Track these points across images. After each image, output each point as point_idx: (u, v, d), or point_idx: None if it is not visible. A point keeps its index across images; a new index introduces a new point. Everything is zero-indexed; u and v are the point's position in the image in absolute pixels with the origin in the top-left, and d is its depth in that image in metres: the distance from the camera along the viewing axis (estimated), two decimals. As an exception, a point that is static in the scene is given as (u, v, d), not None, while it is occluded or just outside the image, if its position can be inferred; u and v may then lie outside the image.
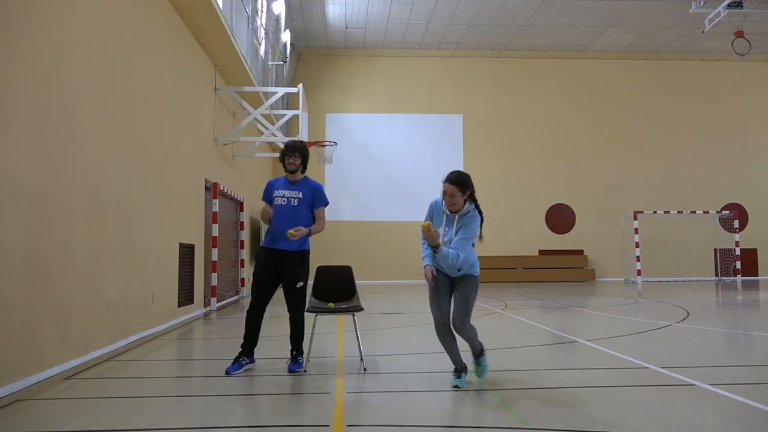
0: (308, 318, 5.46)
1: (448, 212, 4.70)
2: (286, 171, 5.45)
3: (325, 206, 5.45)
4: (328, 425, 3.64)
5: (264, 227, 15.75)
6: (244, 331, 5.35)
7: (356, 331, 5.61)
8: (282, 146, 5.54)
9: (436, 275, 4.68)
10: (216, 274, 11.44)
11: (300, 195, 5.35)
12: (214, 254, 11.45)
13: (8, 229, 4.56)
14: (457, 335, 4.69)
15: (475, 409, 4.06)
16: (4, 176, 4.52)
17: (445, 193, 4.63)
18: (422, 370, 5.32)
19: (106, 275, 6.40)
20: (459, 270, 4.71)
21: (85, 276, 5.86)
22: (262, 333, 5.41)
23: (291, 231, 5.10)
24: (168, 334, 7.94)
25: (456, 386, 4.55)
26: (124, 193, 6.96)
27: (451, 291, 4.77)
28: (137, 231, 7.37)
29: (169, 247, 8.87)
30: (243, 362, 5.25)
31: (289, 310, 5.37)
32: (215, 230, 11.49)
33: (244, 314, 5.41)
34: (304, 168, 5.51)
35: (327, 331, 7.61)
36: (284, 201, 5.34)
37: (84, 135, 5.92)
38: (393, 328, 8.43)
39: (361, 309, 5.60)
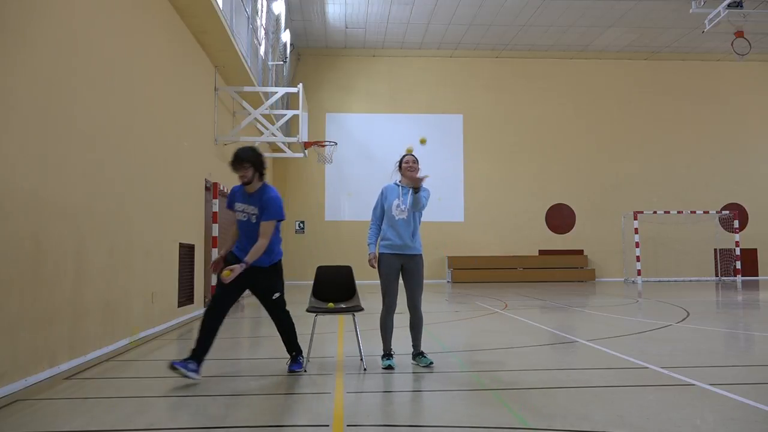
0: (308, 318, 5.46)
1: (404, 186, 5.49)
2: (240, 180, 5.03)
3: (277, 221, 4.98)
4: (328, 425, 3.64)
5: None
6: (197, 334, 4.93)
7: (356, 331, 5.61)
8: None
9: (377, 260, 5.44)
10: (216, 274, 11.43)
11: (256, 211, 4.98)
12: (214, 254, 11.44)
13: (8, 230, 4.56)
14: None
15: (475, 409, 4.06)
16: (3, 176, 4.52)
17: (407, 165, 5.50)
18: (422, 370, 5.32)
19: (106, 275, 6.40)
20: (413, 236, 5.45)
21: (86, 276, 5.86)
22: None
23: (226, 273, 4.73)
24: (168, 334, 7.94)
25: (390, 366, 5.23)
26: (124, 193, 6.96)
27: (398, 276, 5.42)
28: (137, 231, 7.37)
29: (169, 247, 8.87)
30: (190, 366, 4.77)
31: (273, 320, 5.23)
32: (215, 230, 11.49)
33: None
34: (261, 175, 5.05)
35: (327, 331, 7.61)
36: (244, 216, 5.02)
37: (84, 135, 5.92)
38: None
39: (361, 309, 5.60)
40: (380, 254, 5.50)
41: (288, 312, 5.31)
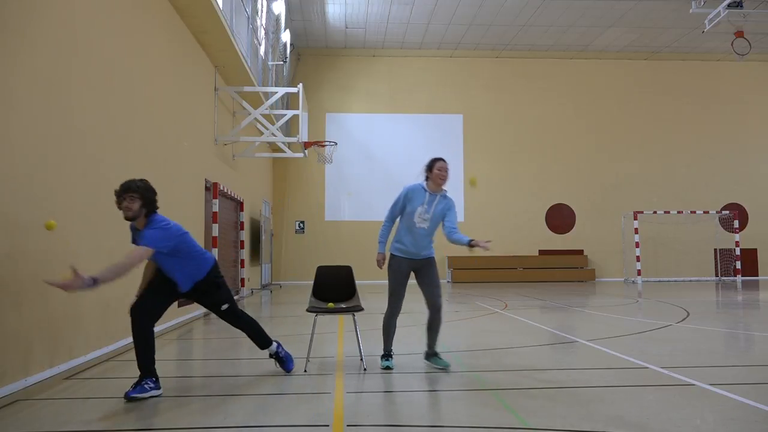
0: (308, 318, 5.46)
1: (431, 192, 5.23)
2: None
3: (150, 248, 4.32)
4: (328, 425, 3.64)
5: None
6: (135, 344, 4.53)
7: (356, 331, 5.61)
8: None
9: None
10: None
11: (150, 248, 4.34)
12: (214, 254, 11.45)
13: (7, 229, 4.56)
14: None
15: (475, 409, 4.06)
16: (3, 176, 4.52)
17: (440, 173, 5.20)
18: (422, 370, 5.32)
19: (106, 275, 6.39)
20: (430, 245, 5.31)
21: (85, 276, 5.85)
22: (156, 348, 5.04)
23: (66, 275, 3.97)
24: (168, 334, 7.94)
25: (389, 367, 5.22)
26: (124, 193, 6.95)
27: (407, 278, 5.30)
28: (137, 231, 7.36)
29: (169, 247, 8.86)
30: (147, 386, 4.37)
31: (235, 326, 5.04)
32: (215, 230, 11.49)
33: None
34: (150, 209, 4.45)
35: (327, 331, 7.61)
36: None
37: (84, 135, 5.92)
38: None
39: (361, 309, 5.60)
40: (391, 255, 5.28)
41: (244, 312, 5.10)
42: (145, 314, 4.54)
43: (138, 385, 4.35)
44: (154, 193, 4.50)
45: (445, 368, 5.20)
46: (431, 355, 5.38)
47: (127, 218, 4.41)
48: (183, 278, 4.68)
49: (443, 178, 5.18)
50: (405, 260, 5.25)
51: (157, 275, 4.77)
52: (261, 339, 5.09)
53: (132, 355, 6.28)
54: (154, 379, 4.44)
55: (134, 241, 4.61)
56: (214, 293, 4.83)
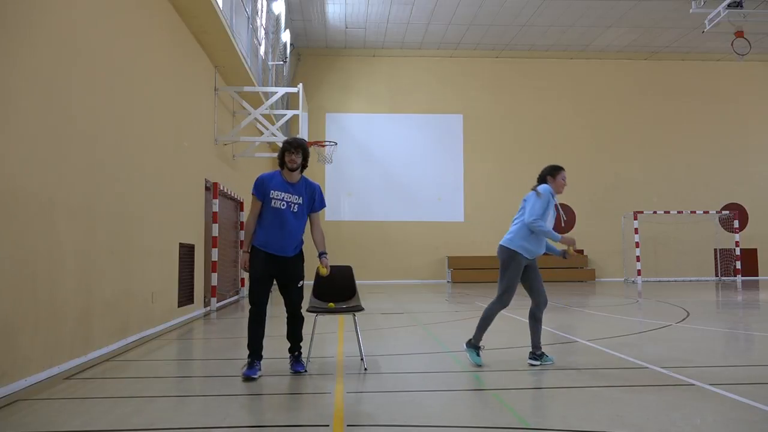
0: (308, 318, 5.46)
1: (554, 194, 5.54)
2: (284, 169, 5.11)
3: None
4: (328, 425, 3.63)
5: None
6: (249, 335, 5.06)
7: (356, 331, 5.60)
8: (281, 145, 5.35)
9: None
10: (216, 274, 11.44)
11: (300, 200, 5.11)
12: (214, 254, 11.45)
13: (7, 229, 4.56)
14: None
15: (475, 409, 4.06)
16: (3, 176, 4.52)
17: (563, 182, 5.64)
18: (422, 370, 5.32)
19: (106, 275, 6.40)
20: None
21: (86, 276, 5.86)
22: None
23: (323, 270, 5.11)
24: (168, 334, 7.94)
25: (478, 364, 5.23)
26: (124, 193, 6.96)
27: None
28: (137, 231, 7.37)
29: (169, 247, 8.87)
30: (257, 366, 4.99)
31: (291, 310, 5.21)
32: (215, 230, 11.49)
33: (246, 314, 5.38)
34: (304, 168, 5.20)
35: (327, 331, 7.61)
36: (283, 205, 5.04)
37: (84, 135, 5.92)
38: (393, 328, 8.42)
39: (362, 309, 5.59)
40: (516, 253, 5.40)
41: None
42: (264, 308, 5.14)
43: (252, 366, 4.96)
44: (309, 152, 5.27)
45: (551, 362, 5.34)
46: (540, 354, 5.40)
47: (291, 169, 5.08)
48: (298, 242, 5.16)
49: (563, 187, 5.68)
50: (526, 260, 5.43)
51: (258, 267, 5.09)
52: (300, 339, 5.24)
53: (132, 355, 6.30)
54: (259, 361, 5.05)
55: (260, 194, 5.08)
56: (300, 266, 5.23)
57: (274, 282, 5.21)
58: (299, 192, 5.13)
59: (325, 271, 5.14)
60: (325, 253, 5.20)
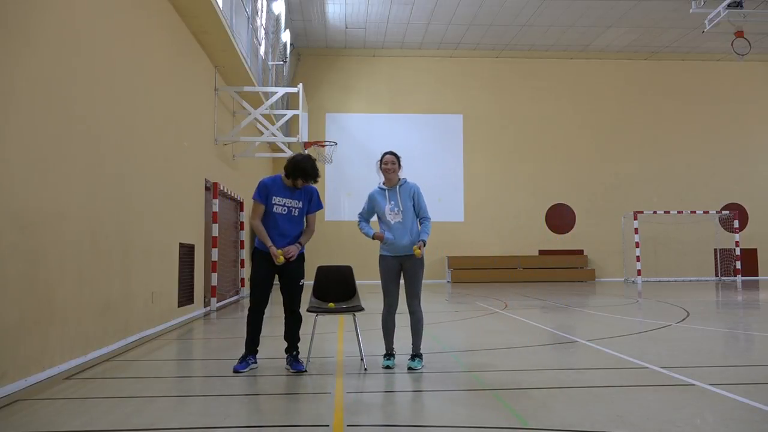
0: (308, 318, 5.46)
1: (387, 188, 5.47)
2: (292, 182, 5.29)
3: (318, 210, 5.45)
4: (328, 425, 3.64)
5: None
6: (247, 332, 5.30)
7: (356, 331, 5.61)
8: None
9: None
10: (216, 274, 11.45)
11: (300, 205, 5.33)
12: (214, 254, 11.45)
13: (7, 229, 4.56)
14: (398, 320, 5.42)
15: (475, 409, 4.06)
16: (3, 176, 4.52)
17: (387, 165, 5.46)
18: (422, 370, 5.32)
19: (106, 275, 6.40)
20: (411, 237, 5.36)
21: (85, 276, 5.86)
22: (262, 332, 5.41)
23: (280, 256, 5.11)
24: (168, 334, 7.94)
25: (389, 366, 5.24)
26: (124, 193, 6.96)
27: (398, 276, 5.40)
28: (137, 231, 7.37)
29: (169, 247, 8.87)
30: (250, 361, 5.26)
31: (290, 308, 5.33)
32: (215, 230, 11.49)
33: (245, 314, 5.40)
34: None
35: (327, 331, 7.61)
36: (284, 210, 5.28)
37: (84, 135, 5.92)
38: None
39: (362, 309, 5.60)
40: (380, 256, 5.47)
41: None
42: (264, 306, 5.35)
43: (243, 360, 5.25)
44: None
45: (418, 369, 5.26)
46: (414, 356, 5.42)
47: (295, 187, 5.30)
48: (295, 240, 5.31)
49: (390, 171, 5.45)
50: (392, 258, 5.41)
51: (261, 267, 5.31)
52: (296, 338, 5.34)
53: (132, 355, 6.30)
54: (254, 356, 5.33)
55: (263, 199, 5.24)
56: (301, 266, 5.40)
57: (274, 282, 5.37)
58: (300, 197, 5.35)
59: (281, 259, 5.13)
60: (301, 245, 5.30)
